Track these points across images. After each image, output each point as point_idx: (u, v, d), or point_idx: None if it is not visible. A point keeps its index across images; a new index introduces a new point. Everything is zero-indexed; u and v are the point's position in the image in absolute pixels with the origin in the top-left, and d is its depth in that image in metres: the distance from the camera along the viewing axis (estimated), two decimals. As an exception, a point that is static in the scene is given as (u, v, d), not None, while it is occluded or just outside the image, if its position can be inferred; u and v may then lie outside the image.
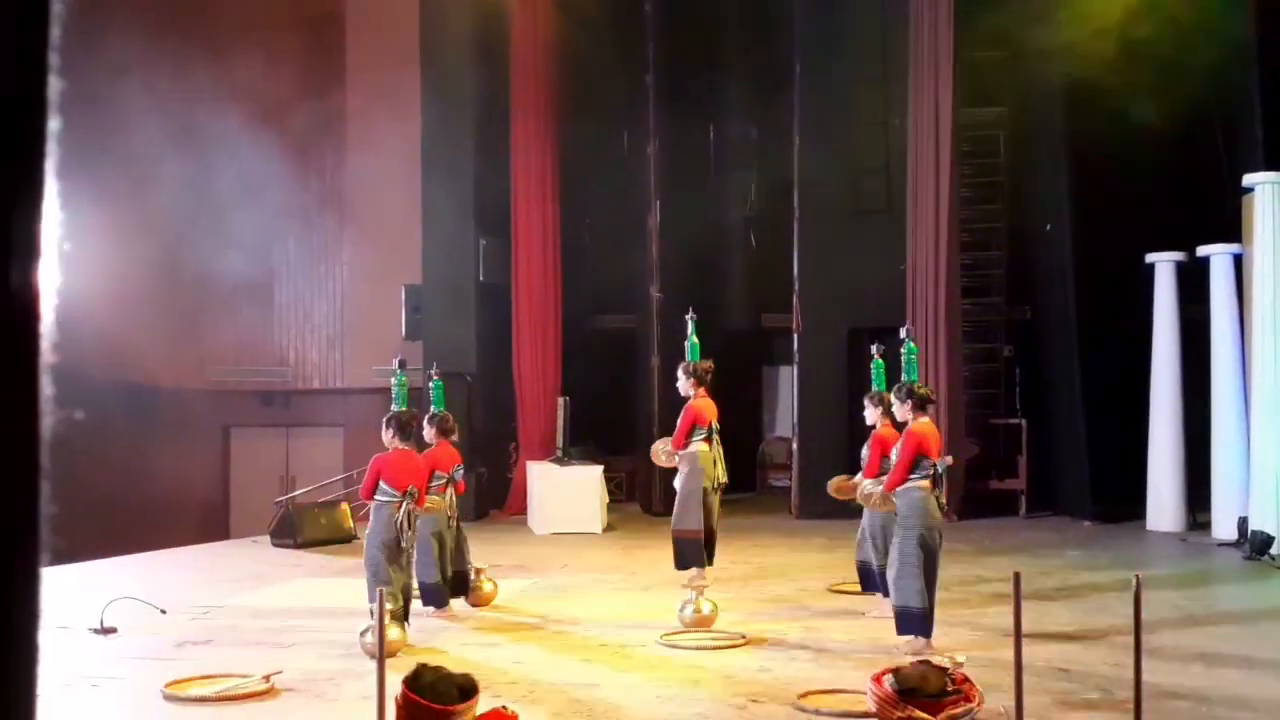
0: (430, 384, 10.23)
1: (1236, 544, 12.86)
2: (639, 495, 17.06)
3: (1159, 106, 15.32)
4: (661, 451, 10.34)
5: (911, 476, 8.14)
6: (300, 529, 13.74)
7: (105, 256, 15.68)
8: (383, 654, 4.33)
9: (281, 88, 17.92)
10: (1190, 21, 15.21)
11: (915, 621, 8.11)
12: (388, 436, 8.67)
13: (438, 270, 16.78)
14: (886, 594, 8.63)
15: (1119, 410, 15.22)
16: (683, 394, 10.14)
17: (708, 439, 10.11)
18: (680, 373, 10.15)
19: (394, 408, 8.91)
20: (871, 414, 9.50)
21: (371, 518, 8.68)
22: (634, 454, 17.00)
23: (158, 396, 15.79)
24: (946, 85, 15.59)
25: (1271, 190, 12.67)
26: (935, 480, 8.14)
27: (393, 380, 9.11)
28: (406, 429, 8.71)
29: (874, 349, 9.87)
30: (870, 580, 9.42)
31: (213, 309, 17.42)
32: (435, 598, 9.51)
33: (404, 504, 8.52)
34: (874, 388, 9.70)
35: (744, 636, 8.59)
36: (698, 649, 8.34)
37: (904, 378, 8.66)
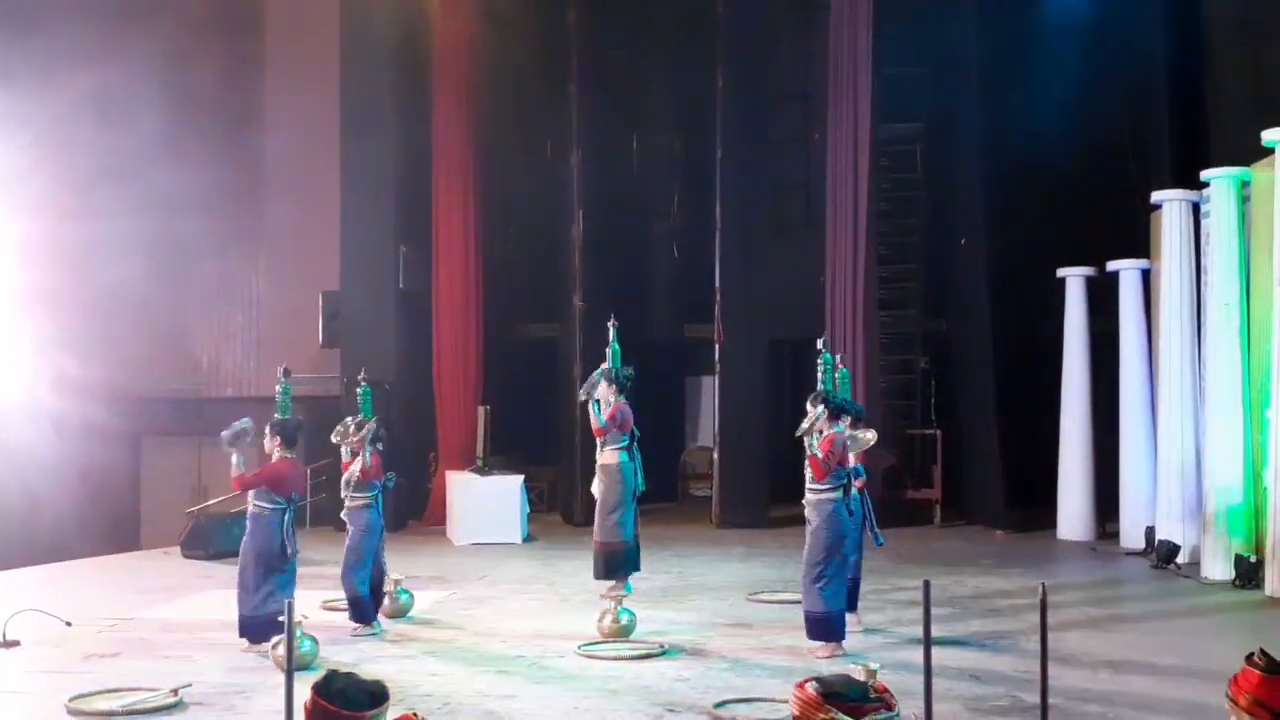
0: (358, 390, 9.99)
1: (1144, 553, 13.16)
2: (560, 505, 17.01)
3: (1073, 125, 15.72)
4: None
5: (825, 485, 8.32)
6: (212, 540, 13.47)
7: (10, 264, 15.32)
8: (291, 666, 4.26)
9: (197, 94, 17.61)
10: (1104, 42, 15.63)
11: (823, 626, 8.31)
12: (272, 444, 8.61)
13: (356, 278, 16.58)
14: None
15: (1031, 421, 15.53)
16: (603, 401, 10.12)
17: (628, 447, 10.11)
18: (601, 379, 10.13)
19: (277, 416, 8.81)
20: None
21: (251, 526, 8.50)
22: (556, 464, 16.95)
23: (66, 404, 15.38)
24: (865, 100, 15.79)
25: (1179, 207, 13.02)
26: (846, 489, 8.40)
27: (277, 388, 9.01)
28: (291, 437, 8.69)
29: (820, 342, 9.66)
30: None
31: (124, 315, 17.01)
32: (364, 613, 9.21)
33: (287, 513, 8.46)
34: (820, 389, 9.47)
35: (662, 646, 8.60)
36: (616, 659, 8.34)
37: (820, 387, 8.82)
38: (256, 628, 8.36)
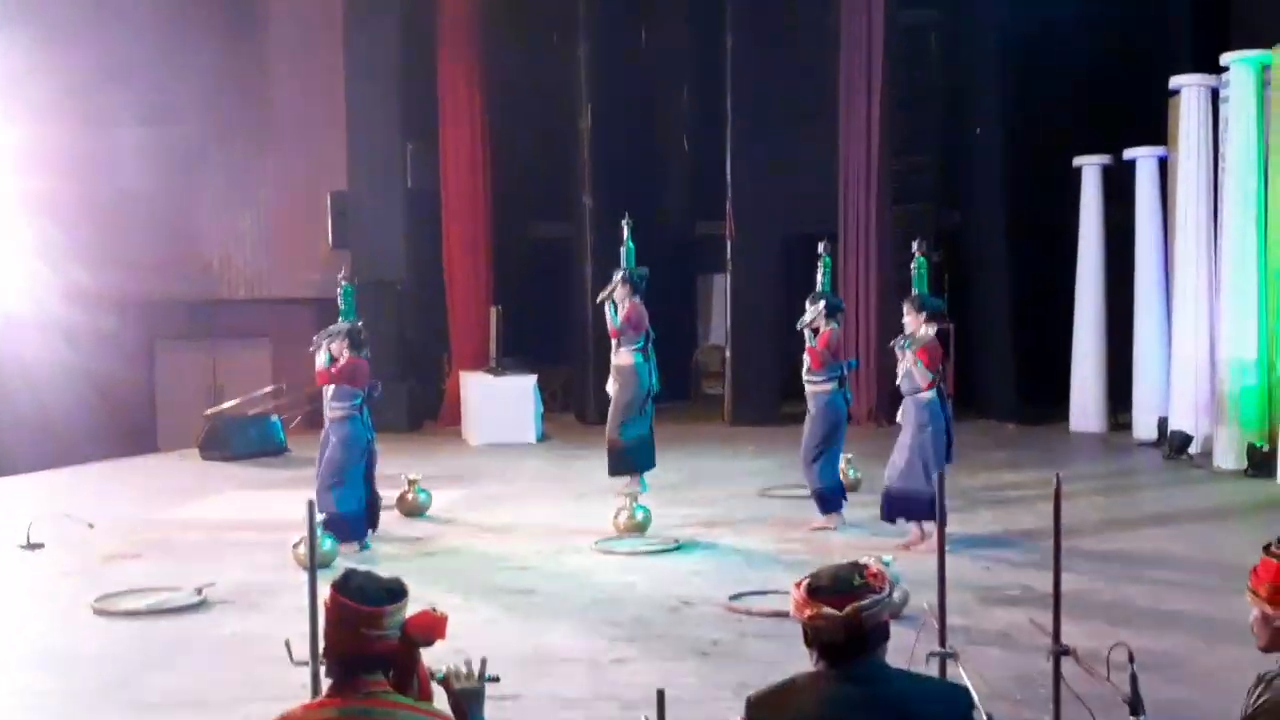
0: (338, 290, 9.37)
1: (1156, 444, 13.19)
2: (574, 405, 17.08)
3: (1090, 10, 15.37)
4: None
5: (821, 375, 9.02)
6: (230, 441, 13.59)
7: (12, 171, 15.20)
8: (314, 564, 4.31)
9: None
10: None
11: (820, 500, 9.12)
12: (341, 346, 8.69)
13: (364, 177, 16.41)
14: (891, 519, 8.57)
15: (1044, 314, 15.46)
16: (618, 300, 10.09)
17: (644, 348, 10.12)
18: (616, 279, 10.10)
19: (341, 320, 9.02)
20: (913, 321, 8.55)
21: (331, 431, 8.71)
22: (569, 363, 16.98)
23: (75, 313, 15.38)
24: (879, -15, 15.45)
25: (1197, 93, 12.76)
26: (842, 380, 9.12)
27: (339, 292, 9.22)
28: (356, 340, 8.78)
29: (915, 246, 9.06)
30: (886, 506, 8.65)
31: (130, 220, 16.90)
32: (354, 530, 8.51)
33: (364, 406, 8.71)
34: (914, 290, 8.88)
35: (676, 541, 8.70)
36: (631, 554, 8.44)
37: (820, 288, 9.28)
38: (341, 526, 8.36)
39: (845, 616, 2.69)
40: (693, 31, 18.27)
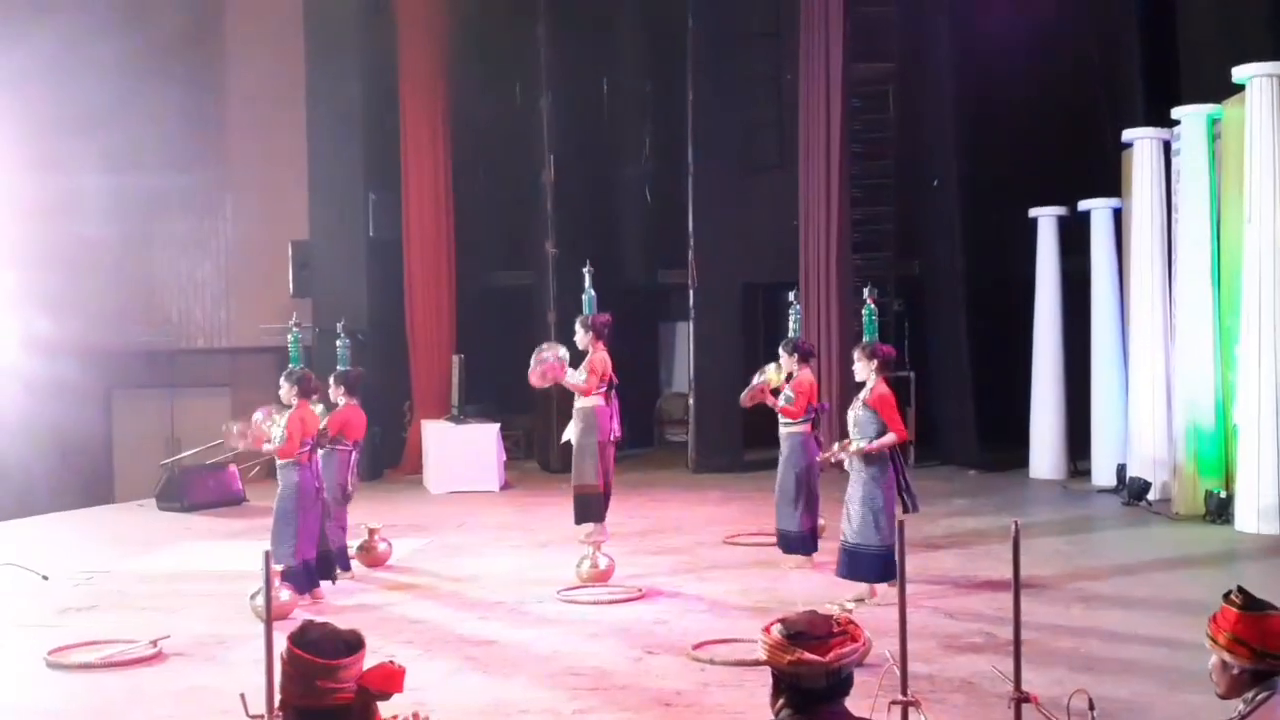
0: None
1: (1115, 490, 13.30)
2: (537, 453, 17.02)
3: (1044, 65, 15.67)
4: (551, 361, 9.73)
5: (798, 420, 9.24)
6: (187, 492, 13.43)
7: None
8: (270, 616, 4.26)
9: (160, 43, 17.24)
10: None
11: (797, 542, 9.23)
12: (337, 393, 9.09)
13: (326, 226, 16.41)
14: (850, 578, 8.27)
15: (1003, 362, 15.60)
16: (581, 348, 10.07)
17: (606, 394, 10.08)
18: (578, 326, 10.05)
19: (339, 368, 9.40)
20: (863, 368, 8.36)
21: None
22: (531, 411, 16.94)
23: (34, 362, 15.20)
24: (837, 40, 15.66)
25: (1150, 145, 13.02)
26: (815, 423, 9.35)
27: (338, 344, 9.59)
28: (353, 385, 9.25)
29: (865, 293, 9.20)
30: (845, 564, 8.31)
31: (90, 268, 16.78)
32: (303, 581, 8.30)
33: (352, 454, 9.06)
34: (865, 338, 8.79)
35: (640, 590, 8.66)
36: (594, 603, 8.39)
37: (791, 334, 9.68)
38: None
39: (828, 663, 2.68)
40: (654, 83, 18.45)
